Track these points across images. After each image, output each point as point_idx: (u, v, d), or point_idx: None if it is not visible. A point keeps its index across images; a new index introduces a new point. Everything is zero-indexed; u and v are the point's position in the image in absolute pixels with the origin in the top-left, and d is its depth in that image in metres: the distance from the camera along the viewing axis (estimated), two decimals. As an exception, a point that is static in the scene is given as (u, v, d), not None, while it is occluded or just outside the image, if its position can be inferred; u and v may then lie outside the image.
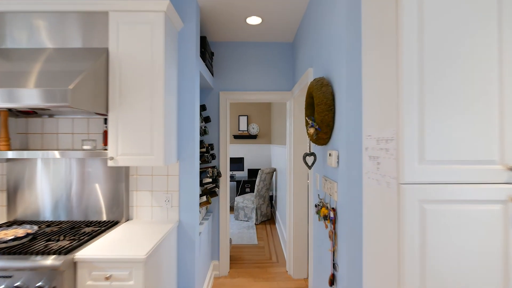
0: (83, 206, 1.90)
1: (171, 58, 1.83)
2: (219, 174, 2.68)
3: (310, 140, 1.61)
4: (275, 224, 4.74)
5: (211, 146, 2.59)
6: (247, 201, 4.79)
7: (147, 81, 1.67)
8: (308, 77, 2.02)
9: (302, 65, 2.39)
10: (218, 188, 2.72)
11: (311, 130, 1.48)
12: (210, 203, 2.32)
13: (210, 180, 2.58)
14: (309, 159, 1.81)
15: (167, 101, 1.75)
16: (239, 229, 4.41)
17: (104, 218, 1.90)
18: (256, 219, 4.70)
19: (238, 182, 5.53)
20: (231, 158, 5.91)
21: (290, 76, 2.93)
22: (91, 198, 1.90)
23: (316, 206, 1.60)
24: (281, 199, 4.30)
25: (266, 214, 4.93)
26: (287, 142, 3.01)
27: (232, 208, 5.72)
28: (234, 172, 5.88)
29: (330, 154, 1.42)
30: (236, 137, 6.09)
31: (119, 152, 1.67)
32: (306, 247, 2.83)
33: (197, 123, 2.06)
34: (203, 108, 2.59)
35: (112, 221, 1.88)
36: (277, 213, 4.63)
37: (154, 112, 1.68)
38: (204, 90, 2.87)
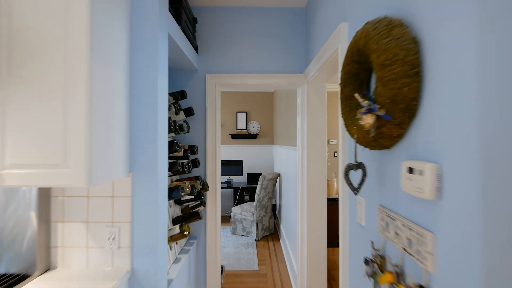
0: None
1: (110, 8, 1.07)
2: (205, 187, 1.93)
3: (358, 139, 0.85)
4: (279, 239, 3.99)
5: (192, 149, 1.84)
6: (246, 212, 4.04)
7: (58, 43, 0.93)
8: (339, 37, 1.26)
9: (324, 28, 1.63)
10: (204, 206, 1.97)
11: (368, 120, 0.72)
12: (188, 235, 1.57)
13: (192, 196, 1.83)
14: (355, 176, 1.05)
15: (100, 79, 0.99)
16: (236, 247, 3.66)
17: (1, 270, 1.14)
18: (257, 235, 3.95)
19: (236, 189, 4.78)
20: (228, 161, 5.16)
21: (302, 54, 2.18)
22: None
23: (368, 262, 0.86)
24: (286, 210, 3.55)
25: (268, 228, 4.18)
26: (297, 142, 2.25)
27: (227, 220, 4.96)
28: (231, 177, 5.13)
29: (411, 168, 0.66)
30: (233, 136, 5.33)
31: (6, 163, 0.92)
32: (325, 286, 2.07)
33: (162, 116, 1.31)
34: (181, 95, 1.84)
35: (16, 275, 1.13)
36: (282, 227, 3.88)
37: (70, 96, 0.93)
38: (184, 72, 2.11)
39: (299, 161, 2.18)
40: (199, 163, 1.90)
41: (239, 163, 5.15)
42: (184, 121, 1.77)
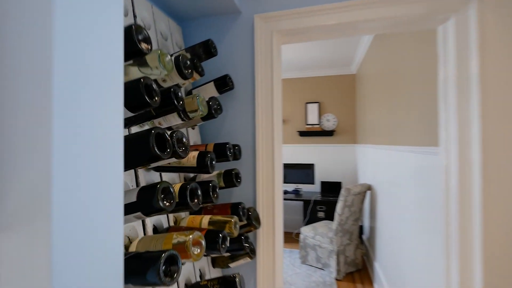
0: None
1: None
2: (252, 223, 0.98)
3: None
4: (370, 281, 2.76)
5: (221, 150, 0.90)
6: (321, 237, 2.94)
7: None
8: None
9: None
10: (252, 256, 1.01)
11: None
12: None
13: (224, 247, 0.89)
14: None
15: None
16: (307, 285, 2.61)
17: None
18: (338, 271, 2.80)
19: (307, 202, 3.72)
20: (295, 165, 4.13)
21: None
22: None
23: None
24: (385, 238, 2.32)
25: (354, 262, 2.98)
26: (441, 137, 1.08)
27: (295, 241, 3.92)
28: (300, 186, 4.08)
29: None
30: (302, 134, 4.28)
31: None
32: None
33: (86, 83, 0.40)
34: (205, 49, 0.93)
35: None
36: (377, 265, 2.64)
37: None
38: (217, 18, 1.21)
39: (448, 173, 1.02)
40: (238, 178, 0.95)
41: (309, 167, 4.08)
42: (212, 100, 0.86)
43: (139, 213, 0.48)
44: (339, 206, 2.73)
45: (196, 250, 0.59)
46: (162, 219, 0.77)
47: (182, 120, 0.71)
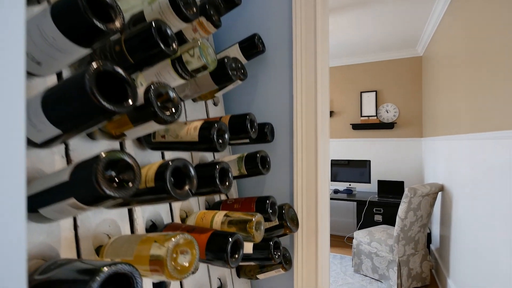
0: None
1: None
2: (286, 225, 0.74)
3: None
4: (443, 302, 2.26)
5: (265, 127, 0.67)
6: (378, 244, 2.53)
7: None
8: None
9: None
10: (287, 268, 0.77)
11: None
12: None
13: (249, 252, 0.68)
14: None
15: None
16: (362, 302, 2.24)
17: None
18: (400, 285, 2.36)
19: (361, 203, 3.29)
20: (348, 162, 3.71)
21: None
22: None
23: None
24: (464, 251, 1.84)
25: (420, 276, 2.49)
26: None
27: (346, 245, 3.51)
28: (353, 185, 3.65)
29: None
30: (356, 127, 3.82)
31: None
32: None
33: None
34: None
35: None
36: (450, 282, 2.14)
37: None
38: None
39: None
40: (266, 163, 0.72)
41: (364, 164, 3.61)
42: (229, 58, 0.64)
43: (72, 200, 0.29)
44: (401, 209, 2.29)
45: (184, 261, 0.38)
46: (161, 212, 0.59)
47: (181, 77, 0.51)
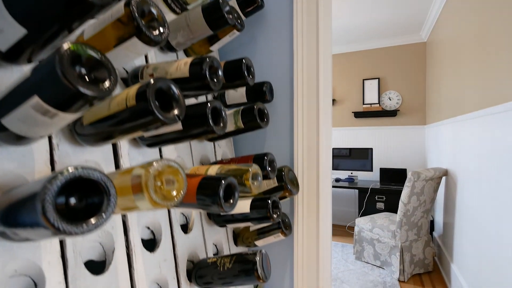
0: None
1: None
2: (286, 186, 0.70)
3: None
4: (445, 285, 2.23)
5: (263, 85, 0.63)
6: (380, 230, 2.50)
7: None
8: None
9: None
10: (287, 233, 0.73)
11: None
12: None
13: (245, 212, 0.64)
14: None
15: None
16: (362, 284, 2.22)
17: None
18: (402, 271, 2.34)
19: (363, 191, 3.25)
20: (350, 151, 3.67)
21: None
22: None
23: None
24: (469, 237, 1.80)
25: (422, 262, 2.46)
26: None
27: (348, 234, 3.49)
28: (355, 174, 3.61)
29: None
30: (358, 115, 3.77)
31: None
32: None
33: None
34: None
35: None
36: (455, 267, 2.11)
37: None
38: None
39: None
40: (264, 116, 0.67)
41: (366, 152, 3.57)
42: (232, 9, 0.60)
43: (36, 99, 0.25)
44: (404, 194, 2.25)
45: (171, 189, 0.34)
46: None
47: (171, 9, 0.47)
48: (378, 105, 3.68)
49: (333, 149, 3.74)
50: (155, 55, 0.62)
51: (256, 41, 0.89)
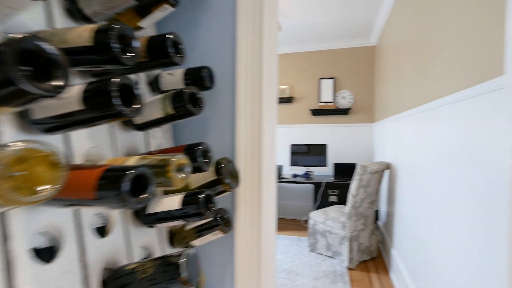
0: None
1: None
2: (222, 178, 0.65)
3: None
4: (386, 270, 2.40)
5: (202, 70, 0.56)
6: (332, 222, 2.60)
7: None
8: None
9: None
10: (226, 230, 0.68)
11: None
12: None
13: (177, 208, 0.57)
14: None
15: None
16: (316, 279, 2.29)
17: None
18: (350, 259, 2.46)
19: (318, 185, 3.36)
20: (308, 148, 3.77)
21: None
22: None
23: None
24: (407, 223, 1.96)
25: (368, 249, 2.62)
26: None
27: (304, 228, 3.60)
28: (311, 169, 3.72)
29: None
30: (315, 112, 3.89)
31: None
32: None
33: None
34: None
35: None
36: (395, 252, 2.28)
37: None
38: None
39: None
40: (198, 101, 0.61)
41: (322, 149, 3.70)
42: None
43: None
44: (353, 186, 2.37)
45: (37, 180, 0.27)
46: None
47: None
48: (333, 103, 3.84)
49: (293, 145, 3.81)
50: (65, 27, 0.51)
51: (198, 24, 0.82)
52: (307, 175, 3.62)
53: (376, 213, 3.19)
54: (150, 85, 0.76)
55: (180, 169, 0.50)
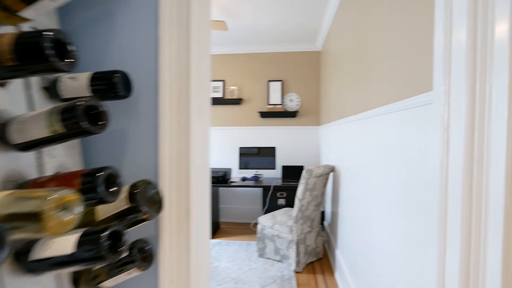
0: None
1: None
2: (138, 206, 0.54)
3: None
4: (331, 270, 2.51)
5: (114, 75, 0.44)
6: (280, 226, 2.61)
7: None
8: None
9: None
10: (148, 261, 0.57)
11: None
12: None
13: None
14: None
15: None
16: (264, 285, 2.26)
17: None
18: (297, 262, 2.50)
19: (266, 188, 3.37)
20: (258, 150, 3.75)
21: None
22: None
23: None
24: (348, 224, 2.05)
25: (314, 251, 2.70)
26: (437, 68, 0.73)
27: (253, 232, 3.57)
28: (261, 172, 3.72)
29: None
30: (264, 114, 3.90)
31: None
32: None
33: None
34: None
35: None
36: (339, 253, 2.38)
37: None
38: None
39: (450, 125, 0.67)
40: (97, 114, 0.49)
41: (271, 151, 3.72)
42: None
43: None
44: (300, 190, 2.40)
45: None
46: None
47: None
48: (281, 106, 3.89)
49: (243, 147, 3.75)
50: None
51: (113, 19, 0.69)
52: (256, 178, 3.61)
53: (322, 213, 3.32)
54: (47, 91, 0.60)
55: (66, 207, 0.38)
